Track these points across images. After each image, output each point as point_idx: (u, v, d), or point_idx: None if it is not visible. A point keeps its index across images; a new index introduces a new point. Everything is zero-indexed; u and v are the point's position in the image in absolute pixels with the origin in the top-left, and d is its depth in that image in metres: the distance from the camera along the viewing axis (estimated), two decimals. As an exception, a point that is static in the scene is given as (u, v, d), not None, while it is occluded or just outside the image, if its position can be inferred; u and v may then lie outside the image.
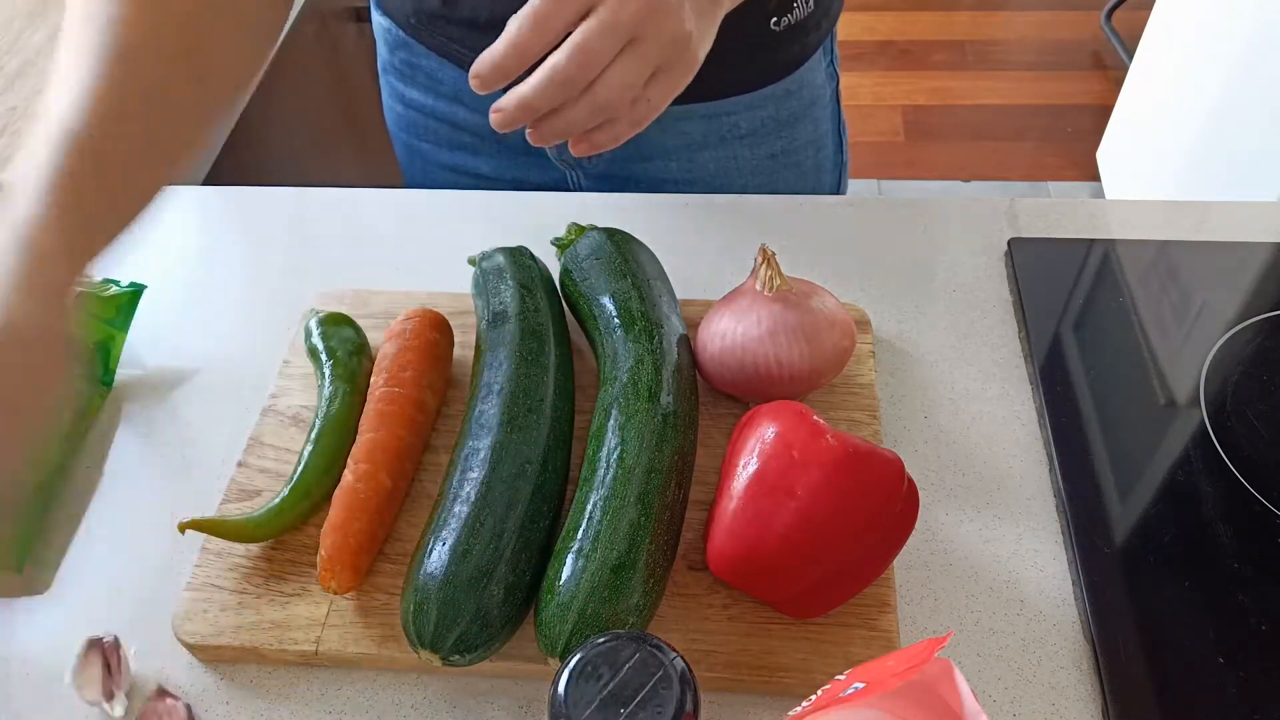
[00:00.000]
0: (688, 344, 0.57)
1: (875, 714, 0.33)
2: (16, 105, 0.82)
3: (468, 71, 0.75)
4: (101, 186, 0.45)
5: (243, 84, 0.56)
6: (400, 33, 0.77)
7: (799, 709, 0.37)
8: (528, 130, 0.47)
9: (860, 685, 0.35)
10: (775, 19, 0.70)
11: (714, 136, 0.76)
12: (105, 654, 0.48)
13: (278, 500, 0.52)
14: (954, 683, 0.33)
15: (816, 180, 0.82)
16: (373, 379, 0.57)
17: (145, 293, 0.64)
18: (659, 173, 0.77)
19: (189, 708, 0.48)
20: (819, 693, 0.37)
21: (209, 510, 0.55)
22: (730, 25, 0.69)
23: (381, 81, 0.84)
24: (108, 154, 0.45)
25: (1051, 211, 0.71)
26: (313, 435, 0.55)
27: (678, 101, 0.73)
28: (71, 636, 0.49)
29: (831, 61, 0.79)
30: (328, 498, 0.52)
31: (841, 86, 0.82)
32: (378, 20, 0.81)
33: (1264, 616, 0.49)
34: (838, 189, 0.86)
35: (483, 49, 0.73)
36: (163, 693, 0.48)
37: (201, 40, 0.51)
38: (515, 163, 0.80)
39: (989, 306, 0.65)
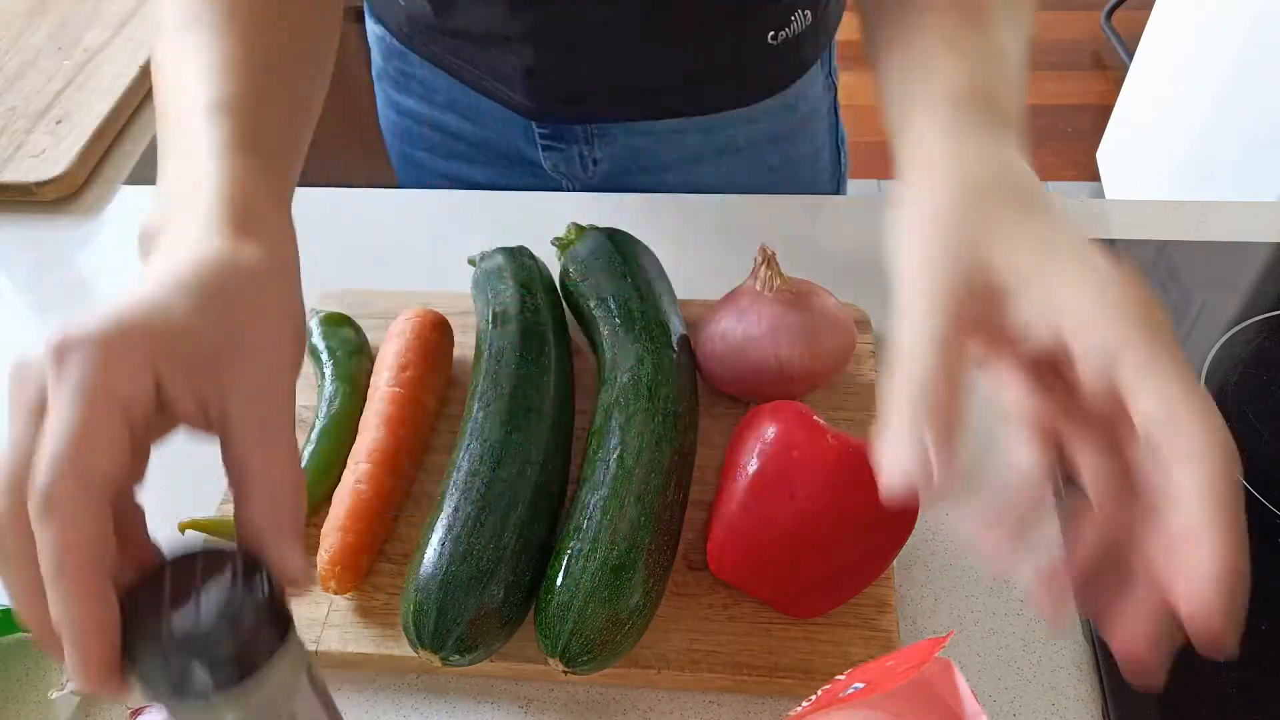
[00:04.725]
0: (688, 344, 0.57)
1: (875, 714, 0.33)
2: (16, 105, 0.82)
3: (461, 81, 0.75)
4: (270, 135, 0.42)
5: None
6: (394, 41, 0.77)
7: (799, 709, 0.37)
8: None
9: (860, 685, 0.35)
10: (773, 34, 0.69)
11: (711, 150, 0.76)
12: None
13: (278, 500, 0.52)
14: (954, 683, 0.33)
15: (814, 192, 0.82)
16: (373, 379, 0.57)
17: None
18: (656, 186, 0.77)
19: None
20: (819, 693, 0.37)
21: (209, 510, 0.55)
22: (728, 40, 0.69)
23: (376, 89, 0.84)
24: (264, 105, 0.42)
25: (1051, 211, 0.71)
26: (313, 435, 0.55)
27: (675, 115, 0.74)
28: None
29: (830, 73, 0.79)
30: (328, 498, 0.52)
31: (842, 86, 0.82)
32: (371, 28, 0.80)
33: (1264, 616, 0.49)
34: None
35: (476, 60, 0.73)
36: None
37: None
38: (510, 172, 0.80)
39: (989, 306, 0.65)
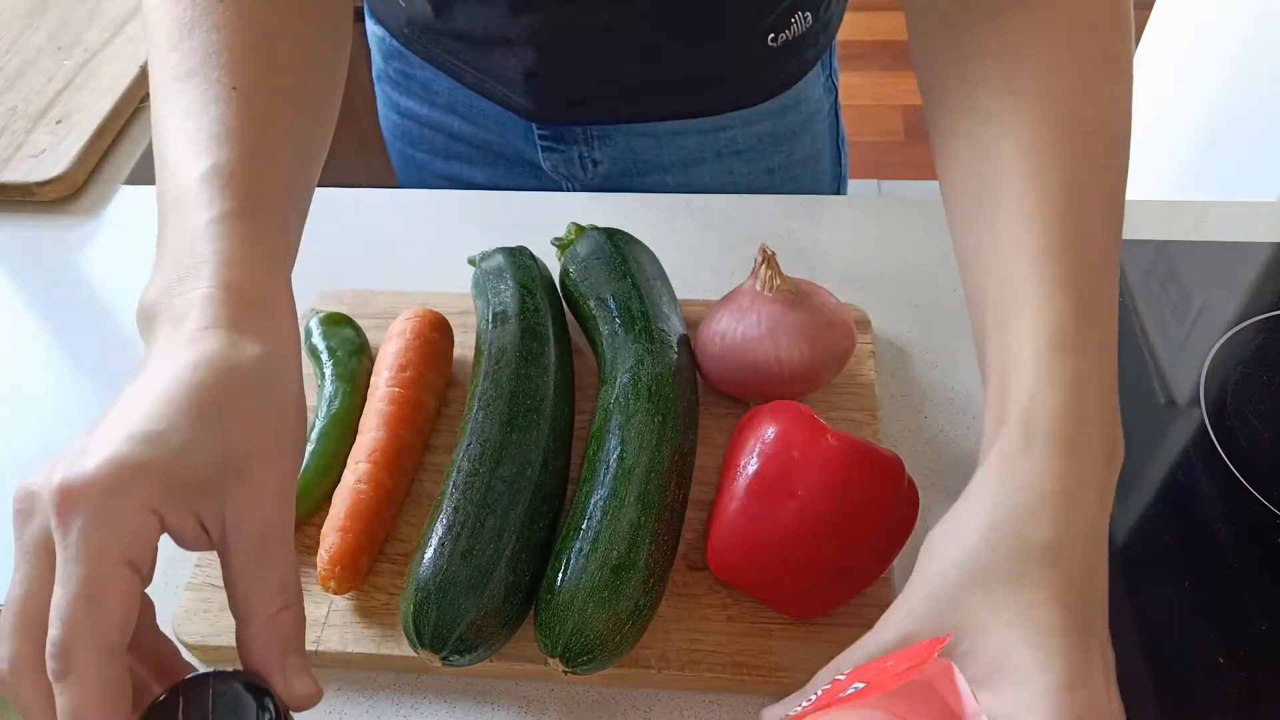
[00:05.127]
0: (688, 344, 0.57)
1: (875, 714, 0.33)
2: (16, 105, 0.82)
3: (461, 83, 0.75)
4: (270, 202, 0.41)
5: (342, 51, 0.52)
6: (394, 42, 0.77)
7: (799, 709, 0.37)
8: None
9: (860, 685, 0.35)
10: (772, 35, 0.69)
11: (711, 151, 0.76)
12: None
13: (278, 500, 0.52)
14: (954, 683, 0.33)
15: (814, 193, 0.82)
16: (373, 379, 0.57)
17: None
18: (656, 187, 0.77)
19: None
20: (819, 693, 0.37)
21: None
22: (728, 43, 0.69)
23: (376, 89, 0.84)
24: (264, 171, 0.41)
25: (1051, 211, 0.71)
26: (313, 435, 0.55)
27: (675, 117, 0.74)
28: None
29: (830, 75, 0.79)
30: (328, 497, 0.52)
31: (842, 86, 0.82)
32: (371, 28, 0.80)
33: (1264, 616, 0.49)
34: None
35: (477, 62, 0.73)
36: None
37: (300, 39, 0.46)
38: (510, 173, 0.80)
39: (989, 306, 0.65)
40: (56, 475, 0.31)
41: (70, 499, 0.31)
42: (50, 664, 0.31)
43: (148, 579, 0.33)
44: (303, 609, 0.36)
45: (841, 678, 0.37)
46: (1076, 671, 0.33)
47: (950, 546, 0.37)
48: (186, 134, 0.41)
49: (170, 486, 0.32)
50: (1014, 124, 0.42)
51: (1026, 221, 0.40)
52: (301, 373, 0.39)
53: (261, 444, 0.35)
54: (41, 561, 0.32)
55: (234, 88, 0.42)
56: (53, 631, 0.31)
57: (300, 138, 0.45)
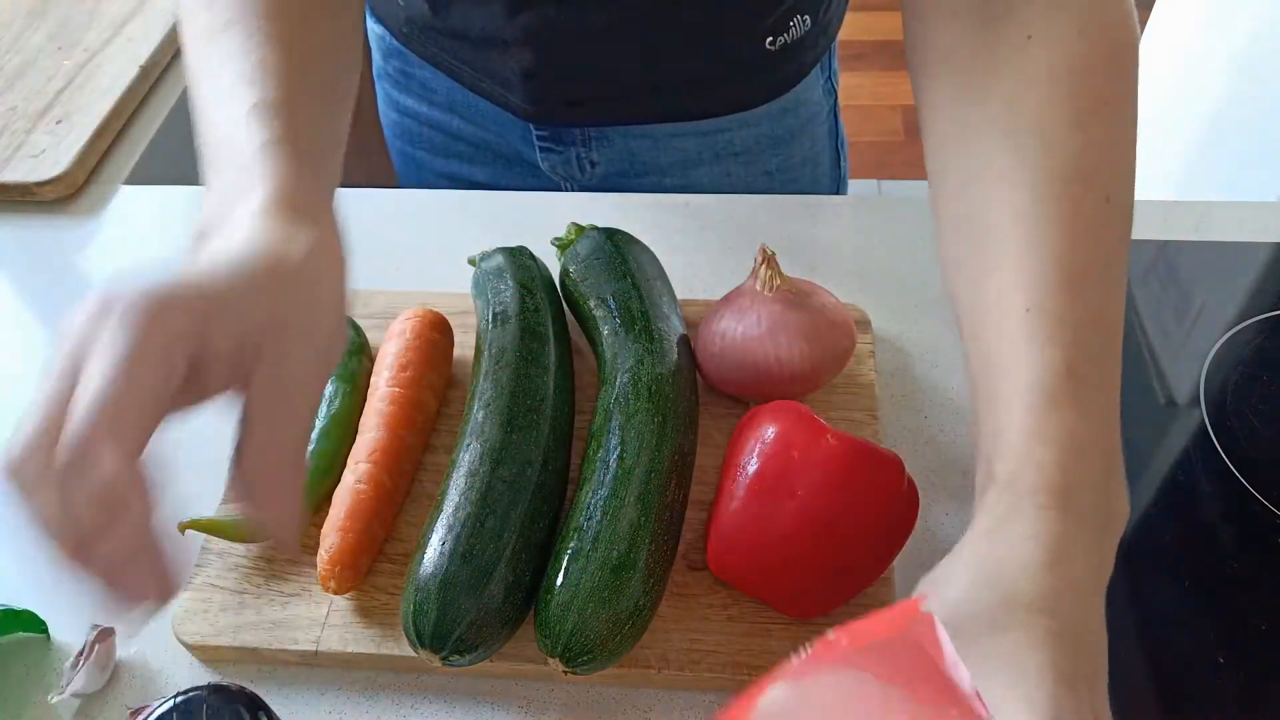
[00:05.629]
0: (688, 344, 0.57)
1: (860, 675, 0.33)
2: (16, 105, 0.82)
3: (459, 82, 0.75)
4: (312, 137, 0.44)
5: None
6: (393, 40, 0.77)
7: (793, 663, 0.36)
8: None
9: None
10: (771, 39, 0.69)
11: (709, 154, 0.76)
12: (93, 642, 0.49)
13: (278, 500, 0.52)
14: (935, 634, 0.32)
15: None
16: (373, 379, 0.57)
17: None
18: (653, 188, 0.77)
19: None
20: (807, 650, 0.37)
21: (209, 510, 0.55)
22: (726, 45, 0.69)
23: (376, 87, 0.84)
24: (304, 109, 0.44)
25: (1051, 211, 0.71)
26: (313, 435, 0.55)
27: (673, 119, 0.74)
28: (73, 634, 0.49)
29: (830, 78, 0.79)
30: (328, 498, 0.52)
31: (841, 87, 0.81)
32: (371, 26, 0.80)
33: (1264, 616, 0.49)
34: None
35: (474, 62, 0.73)
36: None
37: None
38: (509, 172, 0.80)
39: (989, 306, 0.65)
40: (101, 289, 0.32)
41: (127, 297, 0.32)
42: (82, 430, 0.30)
43: (173, 394, 0.33)
44: (304, 473, 0.37)
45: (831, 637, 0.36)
46: (1062, 716, 0.31)
47: (934, 599, 0.36)
48: (229, 77, 0.43)
49: (217, 312, 0.33)
50: (1011, 173, 0.41)
51: (1020, 290, 0.39)
52: (347, 282, 0.41)
53: (307, 318, 0.36)
54: (74, 372, 0.32)
55: (274, 36, 0.44)
56: (88, 396, 0.30)
57: (335, 85, 0.48)
